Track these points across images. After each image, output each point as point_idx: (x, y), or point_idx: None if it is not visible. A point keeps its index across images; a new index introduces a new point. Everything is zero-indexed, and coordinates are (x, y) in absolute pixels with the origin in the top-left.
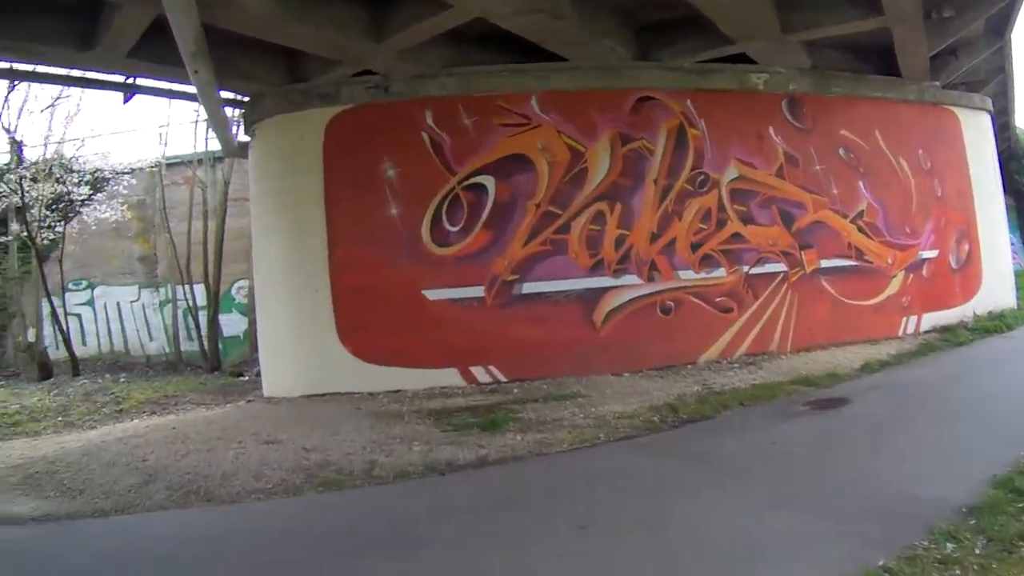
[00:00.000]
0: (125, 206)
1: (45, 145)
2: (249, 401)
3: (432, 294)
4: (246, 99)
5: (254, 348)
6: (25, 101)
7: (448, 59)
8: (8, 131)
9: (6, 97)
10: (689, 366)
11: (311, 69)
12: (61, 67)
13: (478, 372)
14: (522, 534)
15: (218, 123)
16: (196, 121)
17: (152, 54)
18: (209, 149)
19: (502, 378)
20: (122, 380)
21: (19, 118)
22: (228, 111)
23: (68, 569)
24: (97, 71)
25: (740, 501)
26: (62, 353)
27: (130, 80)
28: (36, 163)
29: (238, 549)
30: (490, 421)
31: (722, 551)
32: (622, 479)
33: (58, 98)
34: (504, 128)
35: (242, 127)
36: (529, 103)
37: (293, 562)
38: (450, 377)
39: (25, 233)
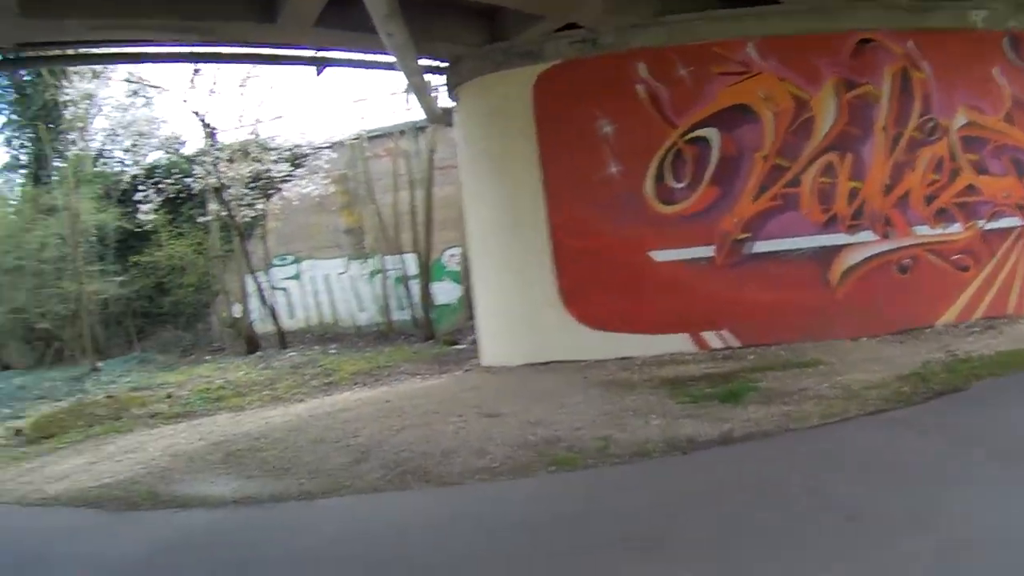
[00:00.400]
0: (328, 180)
1: (240, 126)
2: (466, 371)
3: (659, 255)
4: (444, 65)
5: (468, 316)
6: (214, 83)
7: (656, 7)
8: (198, 115)
9: (191, 81)
10: (927, 330)
11: (511, 27)
12: (242, 45)
13: (710, 338)
14: (783, 526)
15: (418, 87)
16: (395, 93)
17: (340, 22)
18: (411, 119)
19: (735, 344)
20: (332, 352)
21: (209, 101)
22: (428, 78)
23: (266, 562)
24: (282, 46)
25: None
26: (269, 328)
27: (320, 53)
28: (231, 145)
29: (463, 539)
30: (729, 392)
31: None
32: (883, 461)
33: (247, 78)
34: (723, 77)
35: (443, 94)
36: (745, 50)
37: (524, 556)
38: (680, 343)
39: (225, 212)
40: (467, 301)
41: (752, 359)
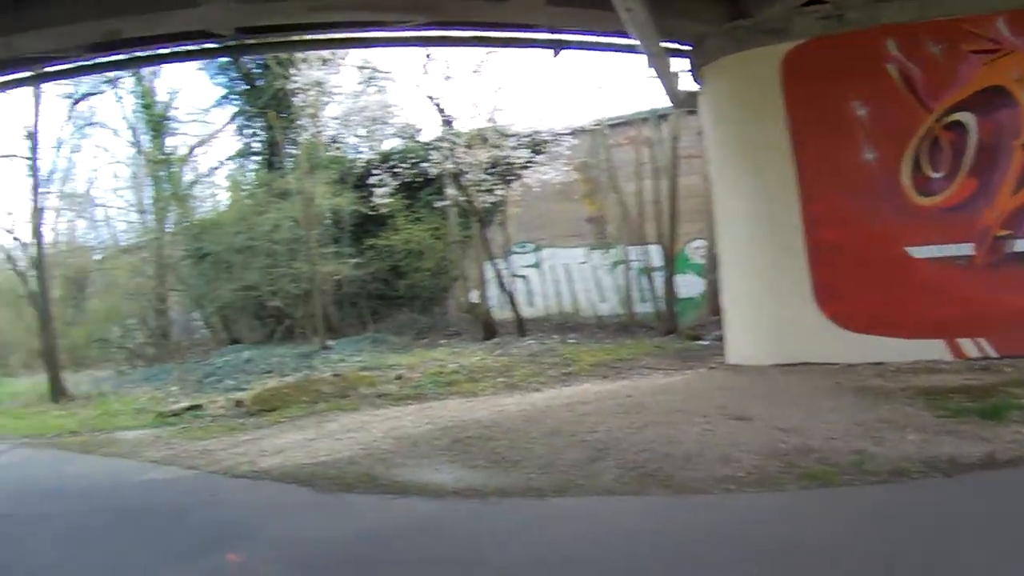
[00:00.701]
0: (569, 168)
1: (477, 113)
2: (711, 368)
3: (916, 251)
4: (686, 47)
5: (712, 310)
6: (448, 69)
7: None
8: (433, 100)
9: (424, 67)
10: None
11: (754, 2)
12: (473, 28)
13: (966, 345)
14: None
15: (660, 69)
16: (635, 80)
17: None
18: (652, 106)
19: (992, 353)
20: (571, 341)
21: (444, 87)
22: (670, 61)
23: (485, 564)
24: (515, 28)
25: None
26: (507, 314)
27: (555, 36)
28: (468, 132)
29: (704, 557)
30: (991, 407)
31: None
32: None
33: (482, 63)
34: (975, 56)
35: (685, 78)
36: (995, 25)
37: None
38: (935, 350)
39: (463, 198)
40: (710, 295)
41: (1010, 372)
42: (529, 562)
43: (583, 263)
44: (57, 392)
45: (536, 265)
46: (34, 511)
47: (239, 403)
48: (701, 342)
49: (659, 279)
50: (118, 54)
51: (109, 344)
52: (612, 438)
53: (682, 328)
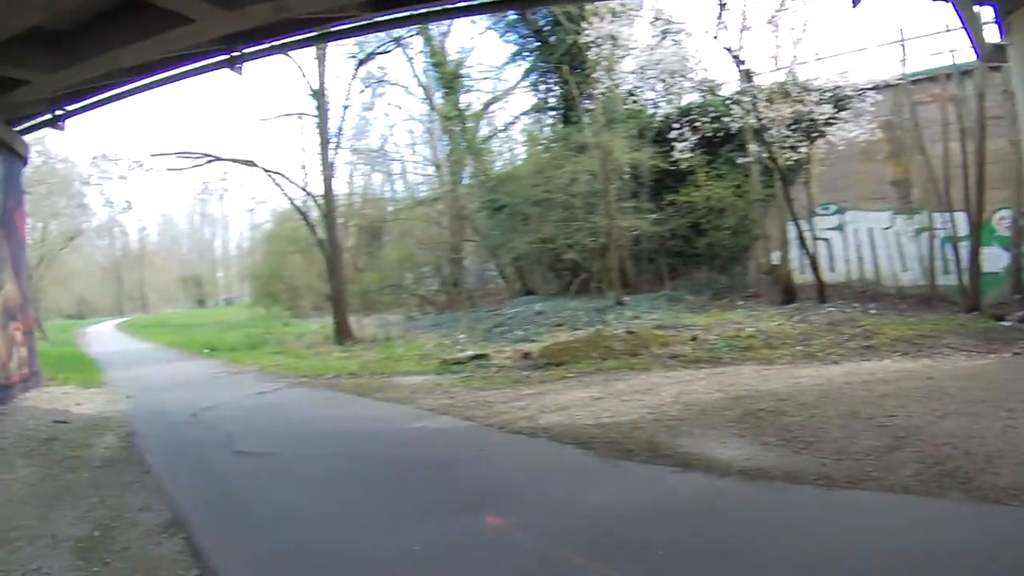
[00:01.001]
0: (873, 126)
1: (776, 67)
2: (1015, 354)
3: None
4: None
5: (1015, 288)
6: (745, 19)
7: None
8: (731, 51)
9: (719, 17)
10: None
11: None
12: None
13: None
14: None
15: (965, 15)
16: (936, 33)
17: None
18: (956, 61)
19: None
20: (871, 311)
21: (741, 38)
22: (976, 10)
23: (764, 567)
24: None
25: None
26: (807, 278)
27: None
28: (768, 86)
29: None
30: None
31: None
32: None
33: (779, 11)
34: None
35: (991, 29)
36: None
37: None
38: None
39: (766, 155)
40: (1014, 271)
41: None
42: (810, 567)
43: (887, 228)
44: (342, 334)
45: (839, 228)
46: (297, 452)
47: (526, 355)
48: (1004, 323)
49: (963, 250)
50: (399, 12)
51: (401, 290)
52: (911, 425)
53: (985, 305)
